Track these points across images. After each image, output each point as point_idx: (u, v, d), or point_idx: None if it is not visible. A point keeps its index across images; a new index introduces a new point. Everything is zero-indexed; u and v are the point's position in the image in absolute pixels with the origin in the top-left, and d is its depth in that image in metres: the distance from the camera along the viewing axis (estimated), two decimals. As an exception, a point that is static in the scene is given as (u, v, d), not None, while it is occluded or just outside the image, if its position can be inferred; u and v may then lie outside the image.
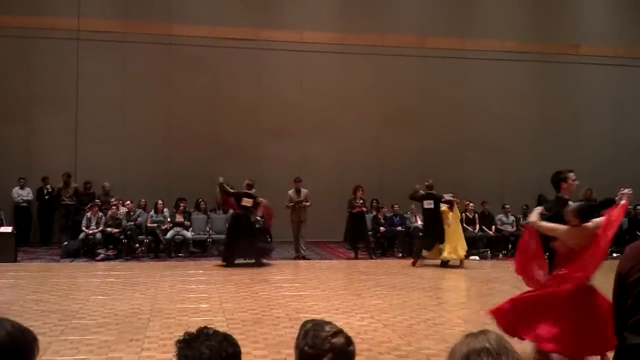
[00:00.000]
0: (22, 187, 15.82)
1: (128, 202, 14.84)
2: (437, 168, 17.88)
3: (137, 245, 14.53)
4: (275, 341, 7.04)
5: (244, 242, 13.11)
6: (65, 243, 14.32)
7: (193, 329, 2.01)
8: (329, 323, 2.21)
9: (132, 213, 14.75)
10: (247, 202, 13.37)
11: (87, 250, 14.12)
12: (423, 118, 18.31)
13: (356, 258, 14.84)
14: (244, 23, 17.36)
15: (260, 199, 13.66)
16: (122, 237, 14.17)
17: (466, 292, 10.84)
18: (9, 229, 13.75)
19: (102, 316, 8.08)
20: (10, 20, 16.06)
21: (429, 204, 13.84)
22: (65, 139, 16.42)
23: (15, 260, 13.15)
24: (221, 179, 13.49)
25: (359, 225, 14.92)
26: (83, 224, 14.33)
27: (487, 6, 18.99)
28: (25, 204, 15.81)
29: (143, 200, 15.46)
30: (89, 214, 14.44)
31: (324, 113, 17.78)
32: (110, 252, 14.01)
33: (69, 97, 16.53)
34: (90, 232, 14.18)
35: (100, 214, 14.50)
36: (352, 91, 18.01)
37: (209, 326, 2.03)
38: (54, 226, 16.08)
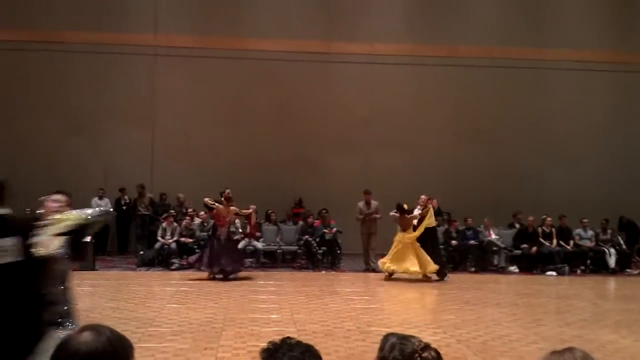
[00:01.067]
0: (100, 198, 16.35)
1: (202, 212, 15.13)
2: (513, 181, 17.49)
3: (210, 255, 14.75)
4: (346, 354, 6.99)
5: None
6: (142, 252, 14.72)
7: (277, 339, 2.00)
8: (414, 337, 2.15)
9: (205, 224, 15.03)
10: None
11: (162, 260, 14.47)
12: (497, 130, 17.91)
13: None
14: (314, 36, 17.49)
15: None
16: (195, 247, 14.45)
17: (543, 309, 10.48)
18: (88, 239, 14.20)
19: (177, 324, 8.23)
20: (90, 36, 16.71)
21: None
22: (142, 151, 16.93)
23: (93, 269, 13.58)
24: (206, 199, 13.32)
25: (430, 239, 14.70)
26: (158, 234, 14.71)
27: (563, 15, 18.45)
28: (103, 214, 16.32)
29: (215, 211, 15.73)
30: (164, 224, 14.81)
31: (393, 125, 17.66)
32: (184, 262, 14.29)
33: (145, 110, 17.06)
34: (165, 241, 14.54)
35: (175, 224, 14.85)
36: (422, 103, 17.83)
37: (291, 337, 2.02)
38: (130, 236, 16.56)
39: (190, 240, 14.56)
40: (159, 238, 14.63)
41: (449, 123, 17.85)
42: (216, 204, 13.05)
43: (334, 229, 15.23)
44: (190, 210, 15.46)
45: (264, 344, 2.01)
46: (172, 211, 15.51)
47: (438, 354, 2.12)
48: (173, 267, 14.09)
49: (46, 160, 16.52)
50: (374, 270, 14.36)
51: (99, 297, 10.58)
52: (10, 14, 16.81)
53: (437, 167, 17.47)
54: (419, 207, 13.51)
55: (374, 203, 14.80)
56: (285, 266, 14.93)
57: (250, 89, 17.37)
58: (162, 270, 13.98)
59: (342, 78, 17.71)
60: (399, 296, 11.35)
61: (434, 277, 13.15)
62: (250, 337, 7.68)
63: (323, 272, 14.28)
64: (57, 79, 16.88)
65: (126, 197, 16.31)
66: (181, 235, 14.66)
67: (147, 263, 14.39)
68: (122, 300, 10.17)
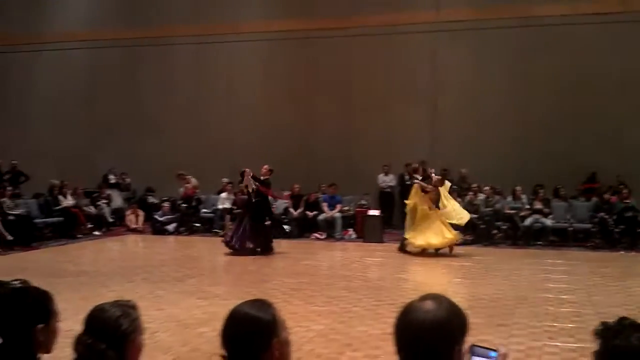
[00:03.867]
0: (386, 174, 17.03)
1: (487, 188, 14.88)
2: None
3: (495, 231, 14.47)
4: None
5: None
6: (426, 227, 14.96)
7: (610, 320, 1.86)
8: None
9: (490, 199, 14.76)
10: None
11: (447, 234, 14.58)
12: None
13: None
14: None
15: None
16: (480, 222, 14.29)
17: None
18: (377, 212, 14.96)
19: (467, 299, 8.21)
20: (375, 19, 17.34)
21: None
22: (423, 127, 17.13)
23: (381, 241, 14.26)
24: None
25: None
26: (442, 209, 14.84)
27: None
28: (388, 189, 16.98)
29: (499, 186, 15.34)
30: (448, 200, 14.90)
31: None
32: (468, 237, 14.23)
33: (427, 87, 17.20)
34: (450, 216, 14.61)
35: (459, 199, 14.81)
36: None
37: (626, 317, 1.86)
38: (414, 210, 16.93)
39: (475, 215, 14.41)
40: (443, 213, 14.77)
41: None
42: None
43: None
44: (473, 185, 15.30)
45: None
46: (454, 187, 15.49)
47: None
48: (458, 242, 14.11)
49: (338, 138, 17.61)
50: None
51: (389, 268, 11.07)
52: (295, 5, 18.19)
53: None
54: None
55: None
56: (576, 245, 13.97)
57: (536, 58, 16.47)
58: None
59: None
60: None
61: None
62: (545, 317, 7.38)
63: (621, 252, 13.08)
64: (339, 63, 17.85)
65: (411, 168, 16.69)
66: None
67: (432, 237, 14.61)
68: (411, 272, 10.50)
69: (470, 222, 14.36)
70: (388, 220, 16.38)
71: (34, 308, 2.35)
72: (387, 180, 17.05)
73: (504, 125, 16.52)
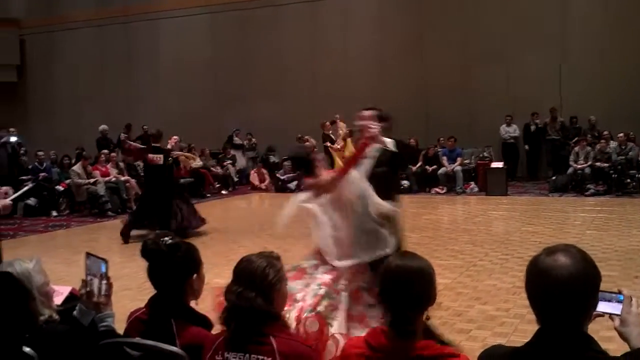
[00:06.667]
0: (508, 125, 16.42)
1: (621, 135, 14.03)
2: None
3: (629, 180, 13.65)
4: None
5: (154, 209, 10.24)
6: (553, 178, 14.40)
7: None
8: None
9: (622, 147, 13.92)
10: (156, 158, 10.39)
11: (575, 185, 13.98)
12: None
13: None
14: None
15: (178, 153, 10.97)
16: (612, 172, 13.54)
17: None
18: (500, 165, 14.56)
19: (601, 251, 7.85)
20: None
21: None
22: (549, 74, 16.28)
23: (506, 194, 13.89)
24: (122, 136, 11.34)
25: None
26: (571, 159, 14.20)
27: None
28: (512, 141, 16.39)
29: (632, 133, 14.38)
30: (576, 149, 14.23)
31: None
32: (599, 187, 13.56)
33: (552, 33, 16.27)
34: (579, 166, 13.95)
35: (589, 148, 14.12)
36: None
37: None
38: (540, 161, 16.31)
39: (606, 164, 13.67)
40: (571, 163, 14.13)
41: None
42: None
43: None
44: (604, 132, 14.47)
45: None
46: (589, 137, 14.73)
47: None
48: (588, 192, 13.49)
49: (456, 89, 17.10)
50: None
51: (515, 221, 10.78)
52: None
53: None
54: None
55: None
56: None
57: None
58: (576, 196, 13.52)
59: None
60: None
61: None
62: (688, 270, 6.95)
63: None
64: (457, 10, 17.22)
65: (537, 121, 16.01)
66: (595, 159, 13.88)
67: (560, 188, 14.07)
68: (539, 225, 10.14)
69: (602, 171, 13.70)
70: (512, 173, 15.90)
71: (187, 260, 2.54)
72: (510, 131, 16.45)
73: (635, 68, 15.38)
